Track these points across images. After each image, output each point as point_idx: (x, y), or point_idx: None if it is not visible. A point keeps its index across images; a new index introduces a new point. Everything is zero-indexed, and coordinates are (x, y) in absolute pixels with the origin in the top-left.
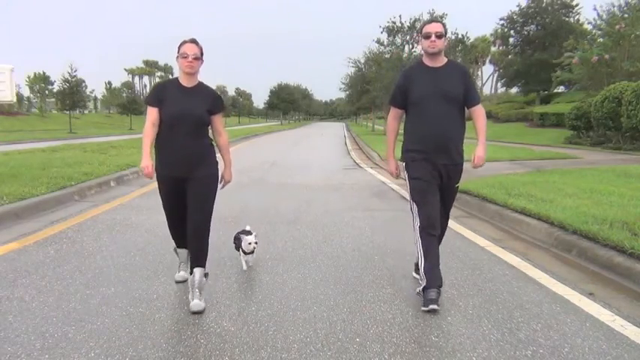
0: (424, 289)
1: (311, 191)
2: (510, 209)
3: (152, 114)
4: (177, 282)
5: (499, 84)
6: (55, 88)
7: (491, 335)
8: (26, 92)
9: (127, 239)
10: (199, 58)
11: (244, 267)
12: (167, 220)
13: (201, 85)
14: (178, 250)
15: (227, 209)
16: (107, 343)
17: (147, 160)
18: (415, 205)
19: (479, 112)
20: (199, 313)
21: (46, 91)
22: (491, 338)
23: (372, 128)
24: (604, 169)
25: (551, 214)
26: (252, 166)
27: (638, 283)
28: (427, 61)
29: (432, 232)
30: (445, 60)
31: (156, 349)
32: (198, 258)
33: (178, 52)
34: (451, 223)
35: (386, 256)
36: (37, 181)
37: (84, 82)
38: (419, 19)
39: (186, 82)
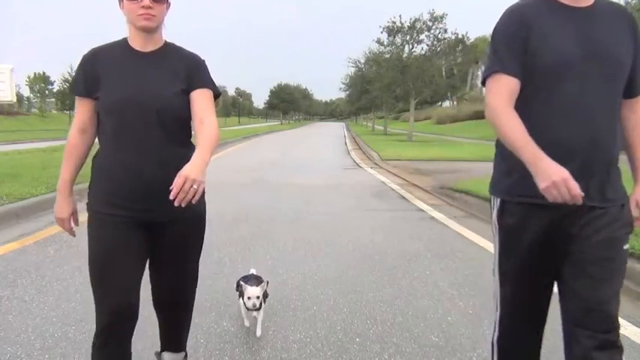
0: None
1: (311, 191)
2: None
3: (81, 111)
4: None
5: None
6: (55, 88)
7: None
8: (26, 92)
9: None
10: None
11: (246, 323)
12: (97, 308)
13: (169, 47)
14: None
15: (227, 209)
16: None
17: (62, 206)
18: (499, 285)
19: None
20: None
21: (46, 91)
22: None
23: (372, 128)
24: None
25: None
26: (253, 165)
27: (638, 283)
28: None
29: (520, 344)
30: None
31: (155, 348)
32: (171, 338)
33: None
34: (451, 224)
35: (386, 256)
36: (37, 181)
37: None
38: (419, 19)
39: (141, 43)
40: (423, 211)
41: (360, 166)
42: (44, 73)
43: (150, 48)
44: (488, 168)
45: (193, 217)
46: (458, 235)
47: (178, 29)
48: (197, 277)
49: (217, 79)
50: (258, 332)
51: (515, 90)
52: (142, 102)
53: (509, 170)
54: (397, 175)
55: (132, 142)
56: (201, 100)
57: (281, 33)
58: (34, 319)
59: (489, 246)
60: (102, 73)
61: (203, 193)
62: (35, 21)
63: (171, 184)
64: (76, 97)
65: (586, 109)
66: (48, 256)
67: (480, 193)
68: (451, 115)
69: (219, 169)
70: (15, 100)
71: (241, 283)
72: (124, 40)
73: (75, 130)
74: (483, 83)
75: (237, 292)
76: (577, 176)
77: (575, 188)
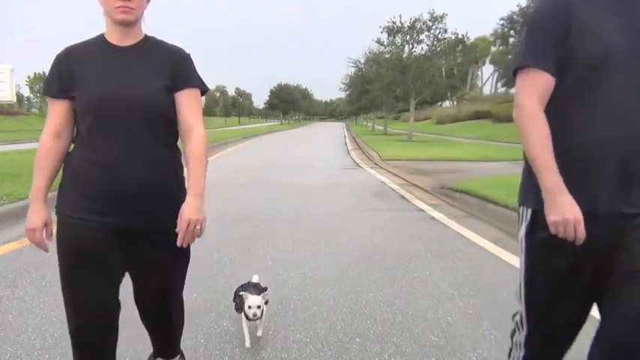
0: None
1: (311, 191)
2: (510, 209)
3: (55, 114)
4: None
5: (499, 84)
6: None
7: (491, 335)
8: (26, 92)
9: None
10: None
11: (247, 343)
12: (71, 331)
13: (150, 41)
14: None
15: (227, 209)
16: None
17: (35, 215)
18: (525, 324)
19: None
20: None
21: None
22: (491, 338)
23: (372, 128)
24: None
25: None
26: (253, 165)
27: None
28: None
29: None
30: None
31: None
32: (162, 348)
33: None
34: (451, 224)
35: (386, 256)
36: None
37: None
38: (419, 19)
39: (118, 37)
40: (423, 211)
41: (360, 166)
42: (44, 73)
43: (128, 42)
44: (489, 168)
45: (175, 226)
46: (458, 235)
47: (178, 28)
48: (182, 289)
49: (217, 79)
50: (259, 333)
51: (549, 89)
52: (122, 98)
53: (565, 172)
54: (397, 175)
55: (111, 142)
56: (188, 104)
57: (281, 33)
58: (34, 319)
59: (489, 246)
60: (77, 70)
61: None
62: (35, 21)
63: (154, 189)
64: (50, 99)
65: (631, 107)
66: (48, 256)
67: (480, 193)
68: (451, 115)
69: (219, 169)
70: (15, 100)
71: (242, 292)
72: (101, 36)
73: (47, 134)
74: (514, 74)
75: (235, 303)
76: (616, 180)
77: (583, 233)
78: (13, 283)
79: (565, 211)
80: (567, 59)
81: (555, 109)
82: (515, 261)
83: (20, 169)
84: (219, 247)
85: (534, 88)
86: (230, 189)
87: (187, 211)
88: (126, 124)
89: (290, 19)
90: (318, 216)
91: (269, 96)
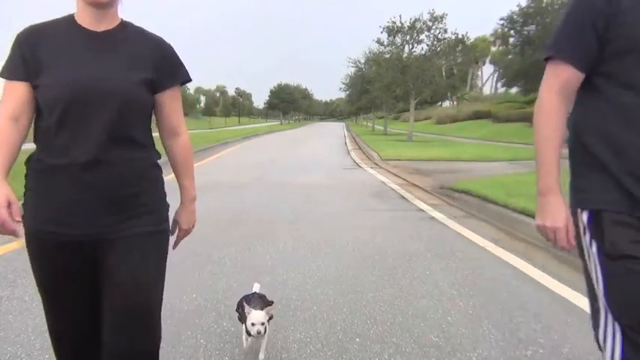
0: None
1: (311, 191)
2: (510, 209)
3: (12, 97)
4: None
5: (499, 84)
6: None
7: (491, 335)
8: None
9: None
10: None
11: (245, 345)
12: (53, 345)
13: (127, 27)
14: None
15: (227, 209)
16: None
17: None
18: (618, 331)
19: None
20: None
21: None
22: (491, 338)
23: (372, 128)
24: None
25: None
26: (253, 165)
27: None
28: None
29: None
30: None
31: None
32: None
33: None
34: (451, 224)
35: (386, 256)
36: None
37: None
38: (419, 19)
39: (91, 21)
40: (423, 211)
41: (360, 166)
42: None
43: (102, 27)
44: (489, 168)
45: (153, 232)
46: (458, 235)
47: (179, 22)
48: (155, 327)
49: (218, 79)
50: (261, 356)
51: (571, 83)
52: (96, 91)
53: (619, 169)
54: (397, 175)
55: (81, 141)
56: (172, 106)
57: (281, 31)
58: (34, 319)
59: (489, 246)
60: (43, 56)
61: (164, 204)
62: (35, 21)
63: (125, 195)
64: (7, 82)
65: None
66: None
67: (480, 192)
68: (451, 115)
69: (219, 168)
70: None
71: (244, 304)
72: (70, 17)
73: (4, 117)
74: (546, 59)
75: (238, 314)
76: None
77: (561, 241)
78: (13, 283)
79: (547, 218)
80: (614, 44)
81: (616, 105)
82: (515, 261)
83: (19, 165)
84: (219, 247)
85: (556, 82)
86: (230, 189)
87: (185, 220)
88: (99, 120)
89: (289, 18)
90: (318, 216)
91: (269, 96)
